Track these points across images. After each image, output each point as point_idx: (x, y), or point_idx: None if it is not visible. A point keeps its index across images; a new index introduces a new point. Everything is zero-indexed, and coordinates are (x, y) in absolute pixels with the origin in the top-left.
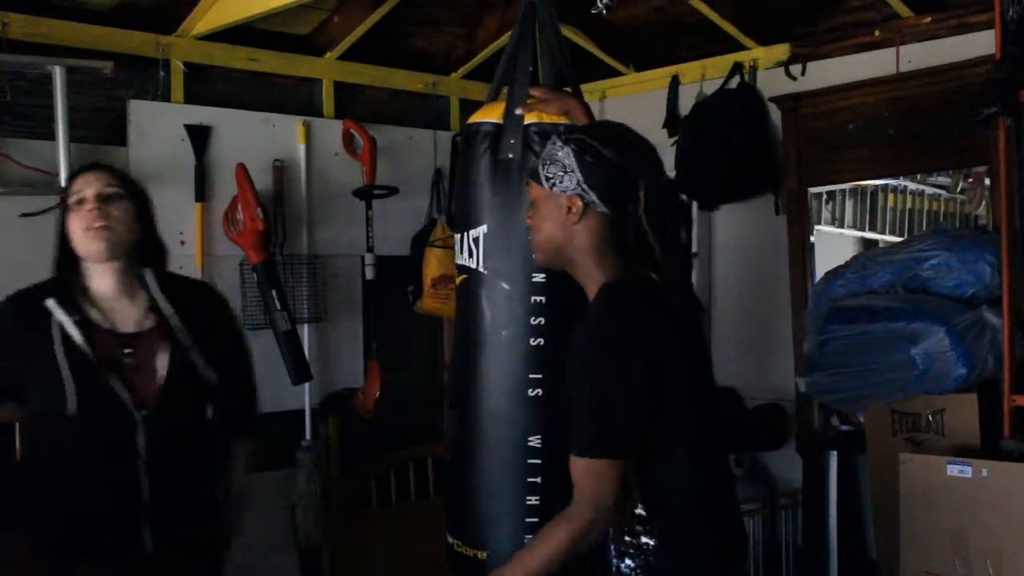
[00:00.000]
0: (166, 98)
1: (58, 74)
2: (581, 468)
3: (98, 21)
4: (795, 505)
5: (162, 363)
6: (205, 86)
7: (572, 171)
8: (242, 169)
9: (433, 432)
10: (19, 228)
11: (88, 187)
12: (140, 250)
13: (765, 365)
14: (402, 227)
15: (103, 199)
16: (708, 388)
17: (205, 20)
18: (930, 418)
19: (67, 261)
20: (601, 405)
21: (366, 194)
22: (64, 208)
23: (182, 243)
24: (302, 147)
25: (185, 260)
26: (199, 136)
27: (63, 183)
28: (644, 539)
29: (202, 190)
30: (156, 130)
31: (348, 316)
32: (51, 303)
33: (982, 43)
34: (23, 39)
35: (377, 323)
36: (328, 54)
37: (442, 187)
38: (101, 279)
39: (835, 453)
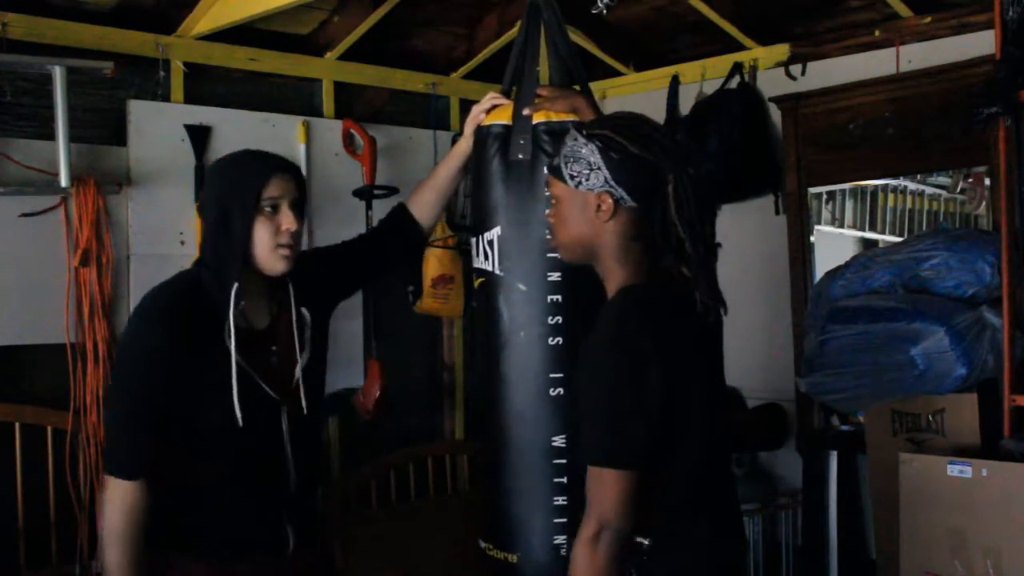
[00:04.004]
0: (166, 98)
1: (58, 74)
2: (589, 476)
3: (98, 21)
4: (795, 505)
5: (299, 359)
6: (205, 86)
7: (599, 168)
8: None
9: (433, 432)
10: (19, 228)
11: (285, 195)
12: None
13: (765, 365)
14: None
15: (298, 214)
16: (719, 390)
17: (205, 20)
18: (930, 418)
19: (236, 260)
20: (614, 414)
21: (366, 194)
22: (247, 205)
23: (182, 243)
24: (302, 147)
25: (185, 260)
26: (199, 136)
27: (63, 183)
28: (638, 539)
29: (202, 190)
30: (156, 130)
31: (348, 316)
32: (232, 314)
33: (982, 43)
34: (23, 39)
35: (377, 323)
36: (328, 54)
37: None
38: (253, 280)
39: (835, 453)
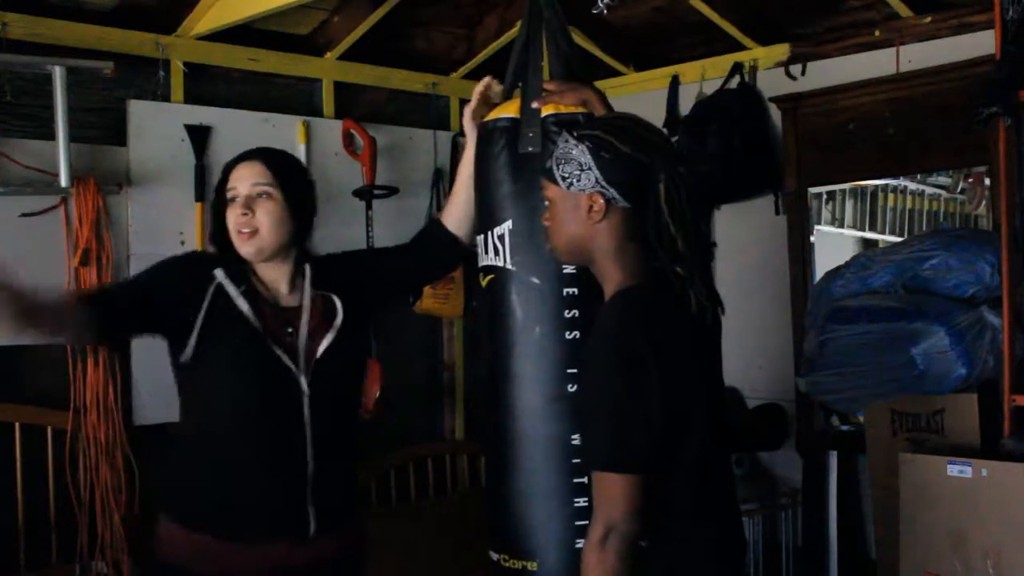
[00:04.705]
0: (166, 98)
1: (58, 74)
2: (595, 482)
3: (98, 21)
4: (795, 505)
5: (322, 339)
6: (205, 86)
7: (589, 169)
8: None
9: (433, 432)
10: (19, 228)
11: (240, 182)
12: (298, 244)
13: (765, 365)
14: (402, 227)
15: (250, 199)
16: (718, 390)
17: (205, 20)
18: (930, 418)
19: (230, 246)
20: (616, 419)
21: (366, 194)
22: (217, 197)
23: (182, 243)
24: (302, 147)
25: None
26: (199, 136)
27: (63, 183)
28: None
29: (202, 190)
30: (156, 130)
31: None
32: (220, 272)
33: (982, 43)
34: (23, 39)
35: (377, 323)
36: (328, 54)
37: (442, 187)
38: (261, 265)
39: (835, 453)
